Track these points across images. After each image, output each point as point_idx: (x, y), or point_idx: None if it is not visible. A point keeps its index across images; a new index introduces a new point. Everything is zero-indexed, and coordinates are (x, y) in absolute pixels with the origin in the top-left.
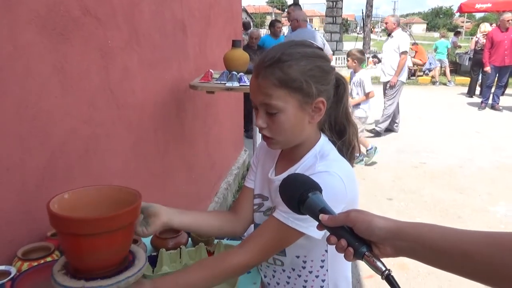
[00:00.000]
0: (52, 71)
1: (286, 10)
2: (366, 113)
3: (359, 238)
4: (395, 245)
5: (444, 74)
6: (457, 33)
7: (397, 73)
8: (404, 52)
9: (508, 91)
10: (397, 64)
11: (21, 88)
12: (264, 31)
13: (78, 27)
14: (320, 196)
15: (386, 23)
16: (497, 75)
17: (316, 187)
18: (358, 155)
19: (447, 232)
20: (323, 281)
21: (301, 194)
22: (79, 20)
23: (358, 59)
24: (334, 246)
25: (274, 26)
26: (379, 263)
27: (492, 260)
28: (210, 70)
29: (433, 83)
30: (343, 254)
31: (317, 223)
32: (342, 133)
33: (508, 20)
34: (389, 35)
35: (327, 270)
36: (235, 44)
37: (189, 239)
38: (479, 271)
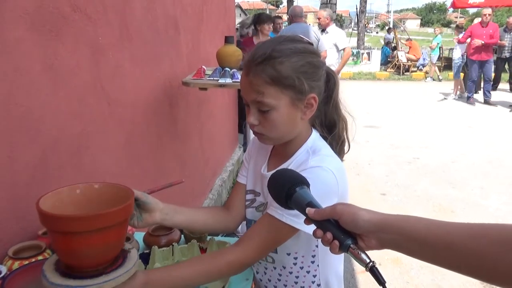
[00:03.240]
0: (42, 68)
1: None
2: None
3: (345, 231)
4: (380, 237)
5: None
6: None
7: (341, 65)
8: (347, 47)
9: (501, 86)
10: (334, 61)
11: (10, 85)
12: None
13: (68, 24)
14: (307, 190)
15: (318, 19)
16: (482, 70)
17: (303, 182)
18: (347, 151)
19: (431, 224)
20: (314, 276)
21: (288, 188)
22: (69, 17)
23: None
24: (320, 239)
25: (274, 22)
26: (363, 255)
27: (475, 251)
28: (203, 67)
29: (426, 78)
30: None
31: None
32: (332, 128)
33: (485, 15)
34: (323, 31)
35: (318, 266)
36: (227, 40)
37: (182, 236)
38: (463, 263)
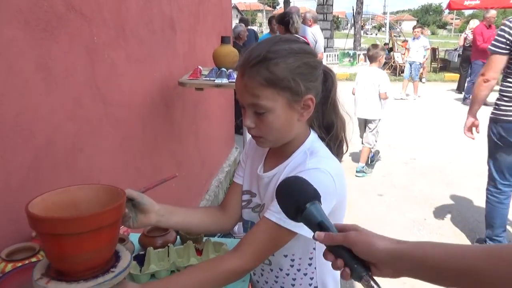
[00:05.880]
0: (36, 68)
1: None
2: None
3: (358, 259)
4: (397, 266)
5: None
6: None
7: None
8: (320, 53)
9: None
10: None
11: (3, 85)
12: (255, 29)
13: (62, 23)
14: (319, 207)
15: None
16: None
17: (315, 197)
18: (345, 152)
19: (449, 249)
20: (311, 279)
21: (299, 205)
22: (64, 16)
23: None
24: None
25: (271, 23)
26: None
27: (494, 274)
28: (199, 67)
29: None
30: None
31: None
32: (330, 128)
33: (494, 17)
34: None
35: (315, 268)
36: (224, 40)
37: (178, 237)
38: (482, 286)
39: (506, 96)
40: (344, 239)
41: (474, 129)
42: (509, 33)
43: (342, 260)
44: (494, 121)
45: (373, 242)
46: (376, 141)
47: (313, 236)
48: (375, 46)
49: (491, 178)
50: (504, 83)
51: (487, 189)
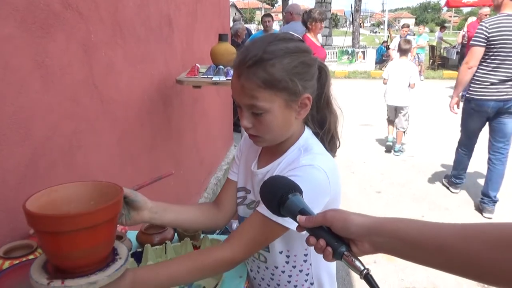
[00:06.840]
0: (33, 66)
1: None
2: None
3: (338, 238)
4: (373, 241)
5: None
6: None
7: None
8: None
9: None
10: None
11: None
12: (254, 27)
13: (59, 21)
14: (300, 197)
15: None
16: None
17: (296, 189)
18: (338, 147)
19: (424, 226)
20: (307, 275)
21: (281, 195)
22: (60, 14)
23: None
24: (313, 247)
25: (262, 20)
26: (357, 263)
27: (467, 253)
28: (197, 65)
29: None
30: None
31: None
32: (323, 123)
33: (486, 15)
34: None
35: (310, 264)
36: (221, 38)
37: (175, 234)
38: (456, 264)
39: (478, 81)
40: (323, 218)
41: (455, 106)
42: (485, 31)
43: (324, 240)
44: (468, 99)
45: (349, 217)
46: (408, 125)
47: (297, 227)
48: (407, 41)
49: (462, 142)
50: (477, 70)
51: (458, 147)
